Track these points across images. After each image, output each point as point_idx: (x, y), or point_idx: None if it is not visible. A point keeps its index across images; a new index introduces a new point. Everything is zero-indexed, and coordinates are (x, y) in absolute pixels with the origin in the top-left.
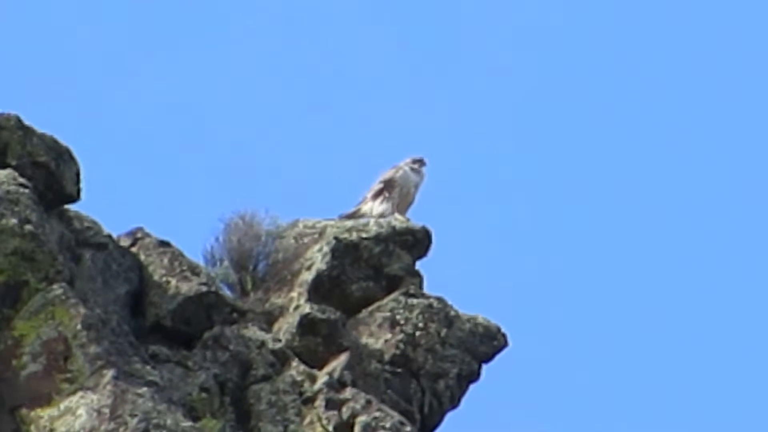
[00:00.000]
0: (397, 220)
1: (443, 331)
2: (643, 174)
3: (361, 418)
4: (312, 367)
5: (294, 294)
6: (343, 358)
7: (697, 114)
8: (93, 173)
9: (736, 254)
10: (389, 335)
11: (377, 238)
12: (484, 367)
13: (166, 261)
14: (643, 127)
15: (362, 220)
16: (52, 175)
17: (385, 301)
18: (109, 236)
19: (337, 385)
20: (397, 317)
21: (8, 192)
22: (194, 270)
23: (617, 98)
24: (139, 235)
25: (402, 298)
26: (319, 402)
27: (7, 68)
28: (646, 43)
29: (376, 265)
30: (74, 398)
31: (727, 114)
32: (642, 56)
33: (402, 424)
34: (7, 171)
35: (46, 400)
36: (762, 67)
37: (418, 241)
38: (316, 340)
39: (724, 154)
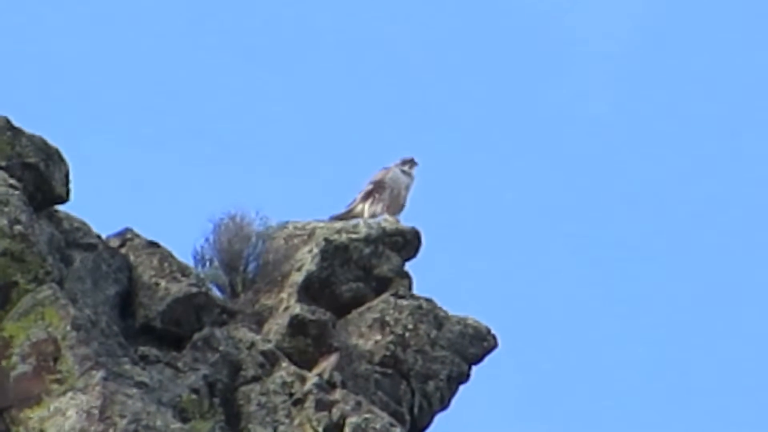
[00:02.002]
0: (387, 222)
1: (433, 333)
2: (635, 176)
3: (351, 420)
4: (302, 368)
5: (284, 295)
6: (333, 359)
7: (695, 115)
8: (82, 174)
9: (730, 252)
10: (379, 336)
11: (367, 240)
12: (474, 369)
13: (155, 262)
14: (635, 130)
15: (352, 222)
16: (41, 176)
17: (374, 302)
18: (99, 237)
19: (326, 386)
20: (387, 318)
21: None
22: (184, 271)
23: (614, 98)
24: (128, 236)
25: (392, 299)
26: (309, 403)
27: None
28: (646, 45)
29: (365, 266)
30: (64, 399)
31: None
32: (640, 58)
33: (392, 425)
34: None
35: (36, 401)
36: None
37: (407, 243)
38: (306, 341)
39: (714, 155)
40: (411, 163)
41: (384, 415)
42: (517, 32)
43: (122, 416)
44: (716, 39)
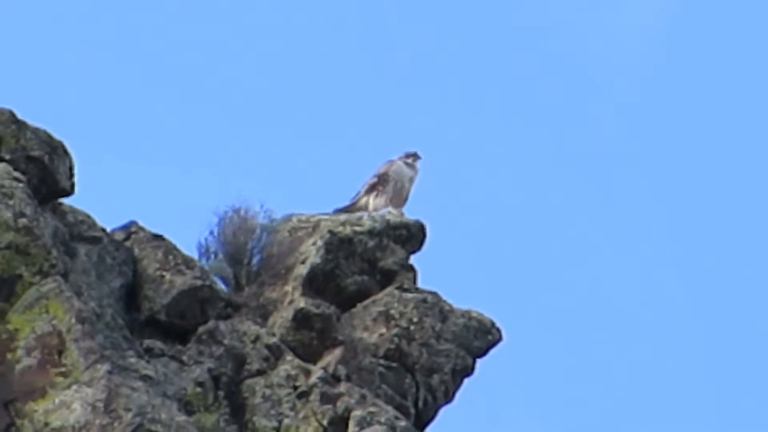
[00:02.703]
0: (392, 215)
1: (438, 326)
2: (639, 170)
3: (356, 413)
4: (306, 361)
5: (288, 288)
6: (338, 352)
7: (691, 115)
8: (87, 167)
9: (734, 251)
10: (384, 330)
11: (371, 232)
12: (479, 362)
13: (160, 255)
14: (636, 124)
15: (356, 215)
16: (46, 169)
17: (379, 295)
18: (103, 230)
19: (331, 379)
20: (392, 312)
21: (2, 186)
22: (188, 264)
23: (612, 97)
24: (133, 229)
25: (396, 293)
26: (314, 396)
27: (0, 63)
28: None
29: (370, 259)
30: (69, 392)
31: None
32: (641, 57)
33: (396, 418)
34: (2, 165)
35: (41, 394)
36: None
37: (412, 236)
38: (311, 335)
39: (711, 153)
40: (415, 156)
41: (389, 408)
42: (527, 38)
43: (127, 409)
44: (733, 48)
